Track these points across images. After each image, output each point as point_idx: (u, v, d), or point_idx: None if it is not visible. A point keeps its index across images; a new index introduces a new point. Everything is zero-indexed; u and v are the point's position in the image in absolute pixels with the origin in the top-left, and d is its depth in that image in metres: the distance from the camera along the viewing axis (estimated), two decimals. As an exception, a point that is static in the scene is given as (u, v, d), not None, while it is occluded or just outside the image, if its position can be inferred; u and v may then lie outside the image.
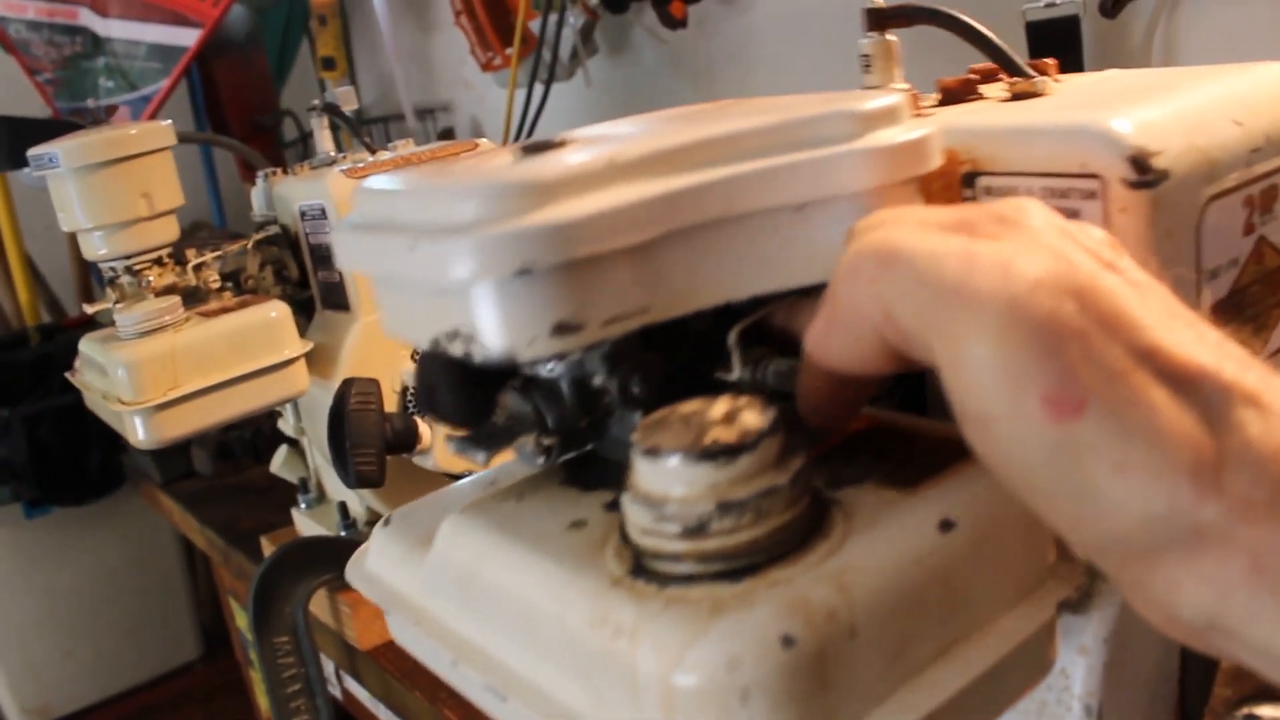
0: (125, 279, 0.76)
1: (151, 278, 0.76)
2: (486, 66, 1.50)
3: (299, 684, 0.79)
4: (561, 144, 0.31)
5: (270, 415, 1.06)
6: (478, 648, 0.30)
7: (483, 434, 0.33)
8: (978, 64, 0.44)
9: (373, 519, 0.85)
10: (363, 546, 0.39)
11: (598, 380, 0.32)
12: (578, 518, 0.30)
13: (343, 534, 0.85)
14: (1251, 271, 0.37)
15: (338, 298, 0.78)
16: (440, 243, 0.27)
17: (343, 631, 0.81)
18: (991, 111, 0.39)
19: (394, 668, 0.77)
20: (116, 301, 0.76)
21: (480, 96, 1.80)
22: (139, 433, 0.72)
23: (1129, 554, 0.23)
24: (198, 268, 0.78)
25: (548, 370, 0.32)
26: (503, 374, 0.34)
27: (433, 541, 0.34)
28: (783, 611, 0.24)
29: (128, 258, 0.75)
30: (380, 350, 0.77)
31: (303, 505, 0.91)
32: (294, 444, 0.92)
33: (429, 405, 0.35)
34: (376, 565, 0.37)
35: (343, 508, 0.84)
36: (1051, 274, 0.24)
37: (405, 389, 0.78)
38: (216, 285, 0.78)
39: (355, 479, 0.72)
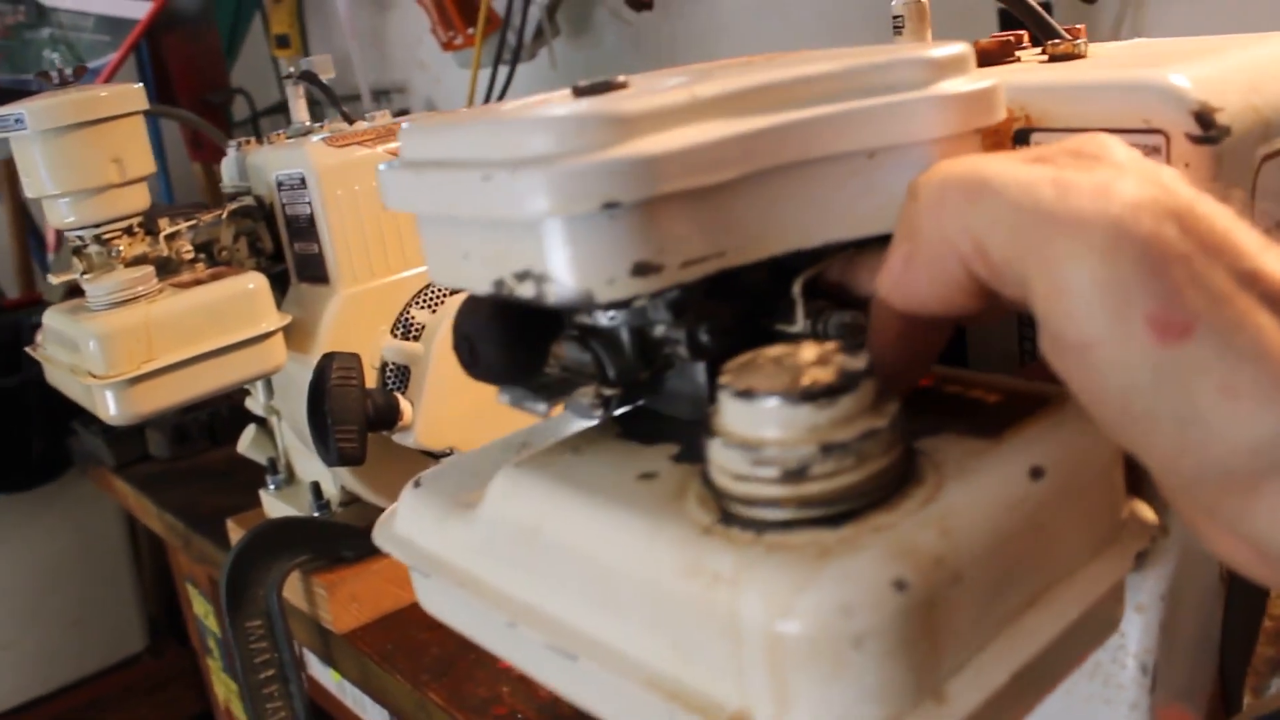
0: (94, 249, 0.73)
1: (121, 247, 0.73)
2: (447, 46, 1.47)
3: (272, 669, 0.77)
4: (624, 84, 0.30)
5: (228, 397, 1.04)
6: (538, 608, 0.29)
7: (538, 385, 0.31)
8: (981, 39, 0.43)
9: (347, 500, 0.83)
10: (389, 510, 0.38)
11: (659, 330, 0.31)
12: (646, 469, 0.29)
13: (316, 515, 0.82)
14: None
15: (316, 270, 0.76)
16: (519, 175, 0.25)
17: (318, 615, 0.79)
18: (1041, 70, 0.38)
19: (373, 651, 0.75)
20: (84, 272, 0.73)
21: (436, 77, 1.77)
22: (110, 408, 0.69)
23: (1230, 483, 0.23)
24: (170, 238, 0.75)
25: (608, 319, 0.31)
26: (549, 326, 0.33)
27: (478, 501, 0.32)
28: (893, 556, 0.24)
29: (97, 226, 0.73)
30: (360, 325, 0.75)
31: (271, 487, 0.88)
32: (262, 423, 0.90)
33: (470, 360, 0.34)
34: (409, 528, 0.35)
35: (315, 488, 0.82)
36: (1150, 197, 0.24)
37: (384, 365, 0.76)
38: (189, 256, 0.75)
39: (337, 456, 0.71)
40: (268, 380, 0.83)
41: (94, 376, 0.68)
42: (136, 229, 0.74)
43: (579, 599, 0.28)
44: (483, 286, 0.29)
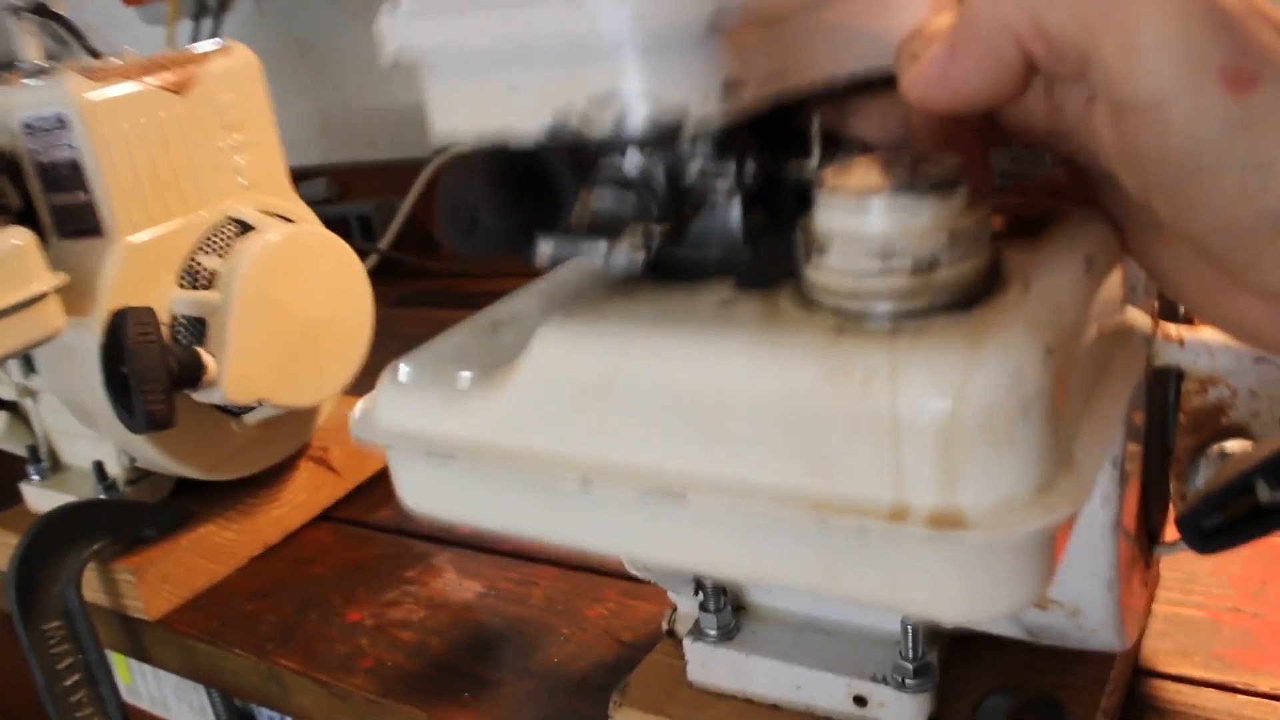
0: None
1: None
2: (130, 0, 1.35)
3: (78, 673, 0.69)
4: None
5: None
6: (617, 463, 0.28)
7: (574, 233, 0.30)
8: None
9: (135, 477, 0.76)
10: (360, 407, 0.35)
11: (694, 169, 0.30)
12: (719, 299, 0.29)
13: (104, 498, 0.74)
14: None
15: (84, 222, 0.68)
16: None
17: (123, 605, 0.71)
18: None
19: (199, 629, 0.69)
20: None
21: (106, 39, 1.61)
22: None
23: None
24: (-100, 196, 0.65)
25: (639, 162, 0.30)
26: (551, 181, 0.32)
27: (503, 372, 0.30)
28: (1037, 327, 0.25)
29: None
30: (144, 278, 0.68)
31: (35, 477, 0.78)
32: (12, 408, 0.79)
33: (468, 229, 0.32)
34: (403, 417, 0.33)
35: (99, 468, 0.74)
36: None
37: (175, 319, 0.70)
38: (-76, 216, 0.65)
39: (145, 420, 0.64)
40: (24, 357, 0.74)
41: None
42: None
43: (675, 441, 0.27)
44: (535, 122, 0.27)
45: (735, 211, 0.31)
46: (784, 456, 0.26)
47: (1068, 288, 0.27)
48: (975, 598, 0.25)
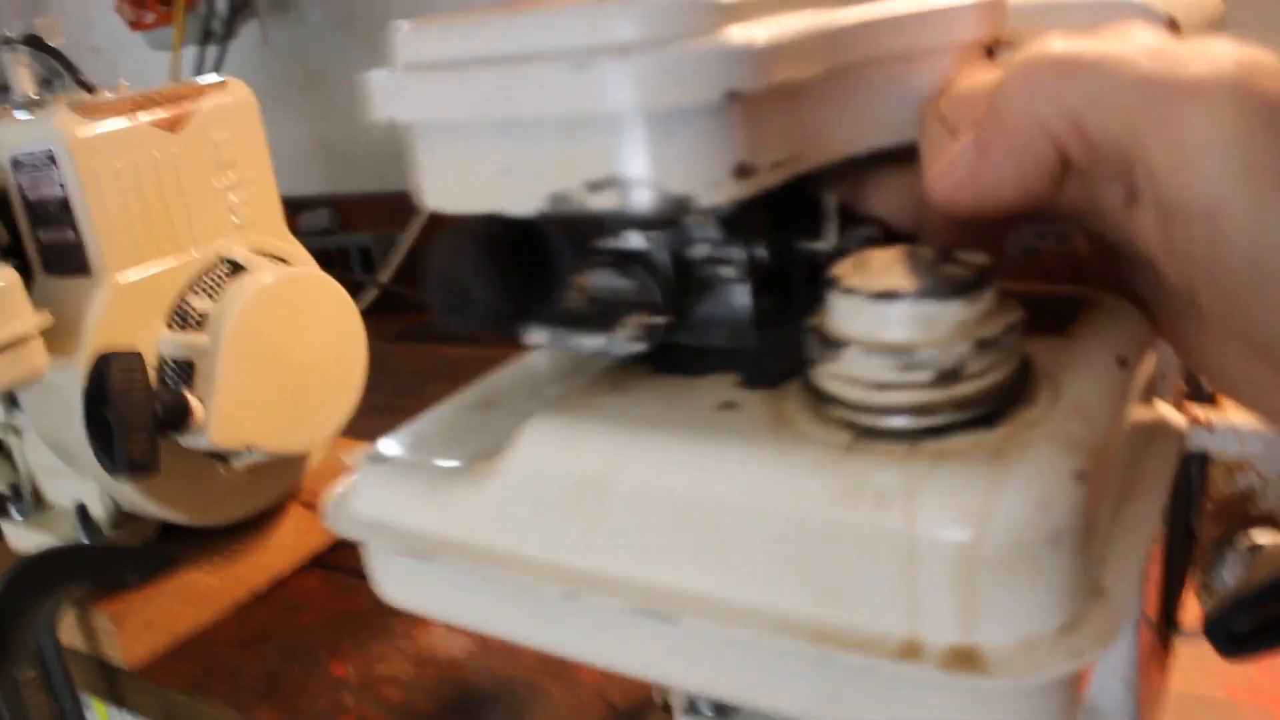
0: None
1: None
2: (136, 25, 1.34)
3: (52, 723, 0.67)
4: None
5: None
6: (606, 573, 0.26)
7: (569, 318, 0.28)
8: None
9: (120, 520, 0.74)
10: (333, 492, 0.33)
11: (699, 251, 0.28)
12: (721, 399, 0.27)
13: (85, 541, 0.72)
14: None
15: (72, 260, 0.66)
16: (629, 61, 0.22)
17: (102, 653, 0.69)
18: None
19: (181, 681, 0.67)
20: None
21: (113, 63, 1.60)
22: None
23: None
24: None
25: (646, 242, 0.28)
26: (547, 258, 0.30)
27: (489, 463, 0.28)
28: (1066, 448, 0.23)
29: None
30: (131, 318, 0.66)
31: (17, 517, 0.76)
32: (-4, 446, 0.77)
33: (457, 306, 0.30)
34: (379, 507, 0.31)
35: (82, 511, 0.72)
36: (1250, 57, 0.24)
37: (163, 361, 0.68)
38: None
39: (127, 467, 0.62)
40: (7, 395, 0.72)
41: None
42: None
43: (668, 555, 0.25)
44: (528, 205, 0.25)
45: (742, 297, 0.29)
46: (786, 580, 0.24)
47: (1101, 395, 0.25)
48: (990, 741, 0.23)
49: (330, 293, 0.71)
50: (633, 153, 0.23)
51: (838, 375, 0.24)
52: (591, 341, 0.27)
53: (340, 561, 0.78)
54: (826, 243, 0.30)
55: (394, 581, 0.31)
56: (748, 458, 0.24)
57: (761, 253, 0.28)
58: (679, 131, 0.23)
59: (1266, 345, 0.25)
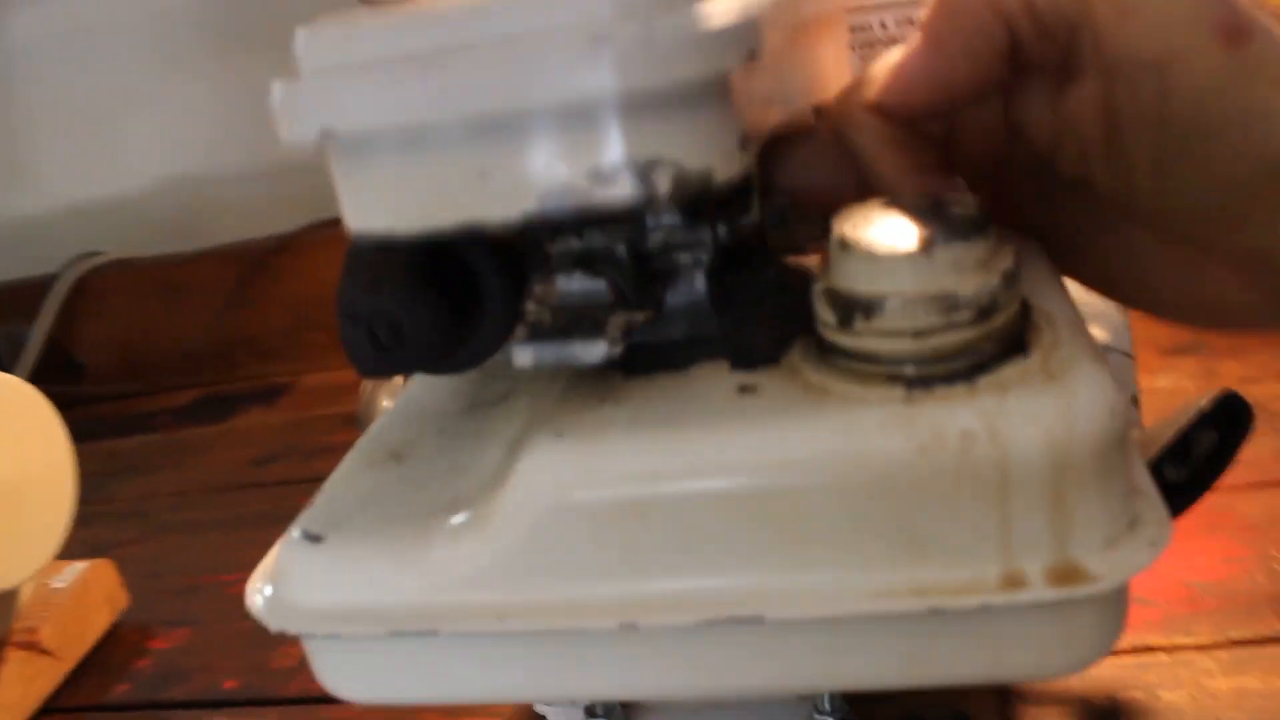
0: None
1: None
2: None
3: None
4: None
5: None
6: (663, 593, 0.24)
7: (546, 332, 0.25)
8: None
9: None
10: (260, 586, 0.28)
11: (655, 240, 0.27)
12: (734, 385, 0.25)
13: None
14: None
15: None
16: (656, 31, 0.21)
17: None
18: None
19: None
20: None
21: None
22: None
23: (1275, 183, 0.25)
24: None
25: (604, 238, 0.26)
26: (468, 280, 0.27)
27: (465, 514, 0.26)
28: (1096, 361, 0.24)
29: None
30: None
31: None
32: None
33: (387, 344, 0.27)
34: (334, 592, 0.27)
35: None
36: None
37: None
38: None
39: None
40: None
41: None
42: None
43: (731, 557, 0.24)
44: (511, 209, 0.23)
45: (699, 283, 0.28)
46: (870, 546, 0.23)
47: (1075, 314, 0.27)
48: (1077, 650, 0.24)
49: (19, 396, 0.61)
50: (653, 133, 0.22)
51: (876, 332, 0.24)
52: (588, 350, 0.25)
53: (79, 700, 0.67)
54: (751, 216, 0.29)
55: (366, 675, 0.27)
56: (811, 435, 0.23)
57: (723, 233, 0.27)
58: (700, 105, 0.22)
59: (1197, 205, 0.26)
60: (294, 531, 0.28)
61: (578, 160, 0.22)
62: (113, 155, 1.08)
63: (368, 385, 0.57)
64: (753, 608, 0.23)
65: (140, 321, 1.08)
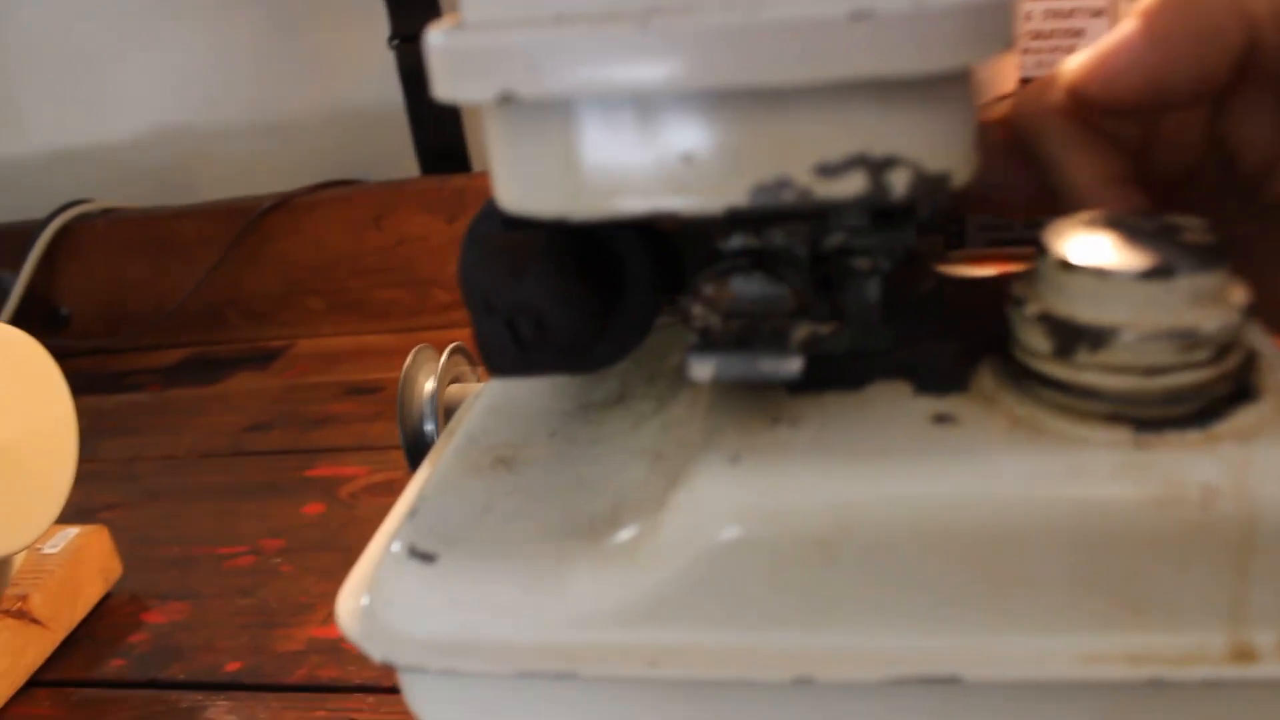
0: None
1: None
2: None
3: None
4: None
5: None
6: (843, 646, 0.22)
7: (720, 340, 0.23)
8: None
9: None
10: (349, 605, 0.25)
11: (833, 243, 0.24)
12: (928, 414, 0.23)
13: None
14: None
15: None
16: (910, 17, 0.18)
17: None
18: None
19: None
20: None
21: None
22: None
23: None
24: None
25: (782, 238, 0.23)
26: (609, 269, 0.25)
27: (643, 539, 0.23)
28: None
29: None
30: None
31: None
32: None
33: (529, 345, 0.24)
34: (451, 622, 0.24)
35: None
36: None
37: None
38: None
39: None
40: None
41: None
42: None
43: (926, 607, 0.21)
44: (714, 200, 0.20)
45: (874, 292, 0.25)
46: (1085, 603, 0.21)
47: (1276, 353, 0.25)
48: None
49: (19, 349, 0.58)
50: (897, 126, 0.19)
51: (1101, 366, 0.21)
52: (780, 365, 0.22)
53: (70, 674, 0.64)
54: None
55: (481, 717, 0.24)
56: (1032, 474, 0.21)
57: (910, 238, 0.24)
58: (947, 98, 0.19)
59: None
60: (395, 545, 0.25)
61: (805, 151, 0.20)
62: (104, 100, 1.04)
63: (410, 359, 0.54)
64: (948, 666, 0.21)
65: (127, 274, 1.03)
